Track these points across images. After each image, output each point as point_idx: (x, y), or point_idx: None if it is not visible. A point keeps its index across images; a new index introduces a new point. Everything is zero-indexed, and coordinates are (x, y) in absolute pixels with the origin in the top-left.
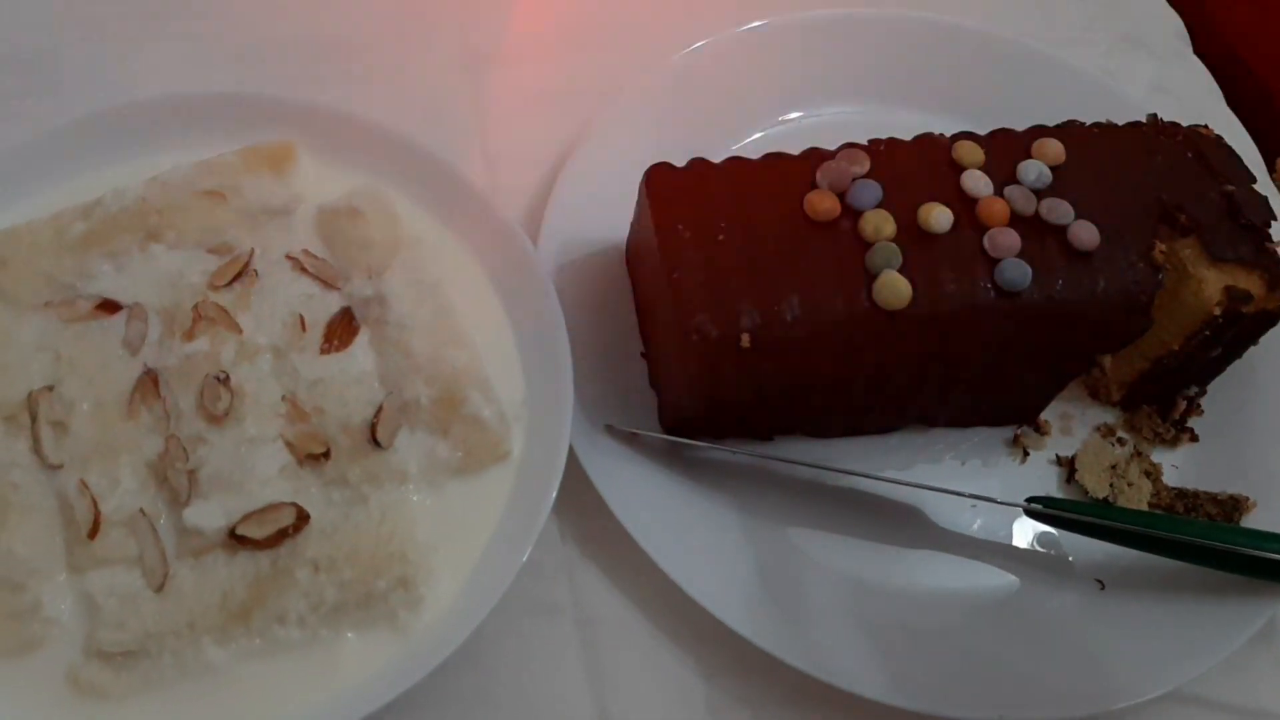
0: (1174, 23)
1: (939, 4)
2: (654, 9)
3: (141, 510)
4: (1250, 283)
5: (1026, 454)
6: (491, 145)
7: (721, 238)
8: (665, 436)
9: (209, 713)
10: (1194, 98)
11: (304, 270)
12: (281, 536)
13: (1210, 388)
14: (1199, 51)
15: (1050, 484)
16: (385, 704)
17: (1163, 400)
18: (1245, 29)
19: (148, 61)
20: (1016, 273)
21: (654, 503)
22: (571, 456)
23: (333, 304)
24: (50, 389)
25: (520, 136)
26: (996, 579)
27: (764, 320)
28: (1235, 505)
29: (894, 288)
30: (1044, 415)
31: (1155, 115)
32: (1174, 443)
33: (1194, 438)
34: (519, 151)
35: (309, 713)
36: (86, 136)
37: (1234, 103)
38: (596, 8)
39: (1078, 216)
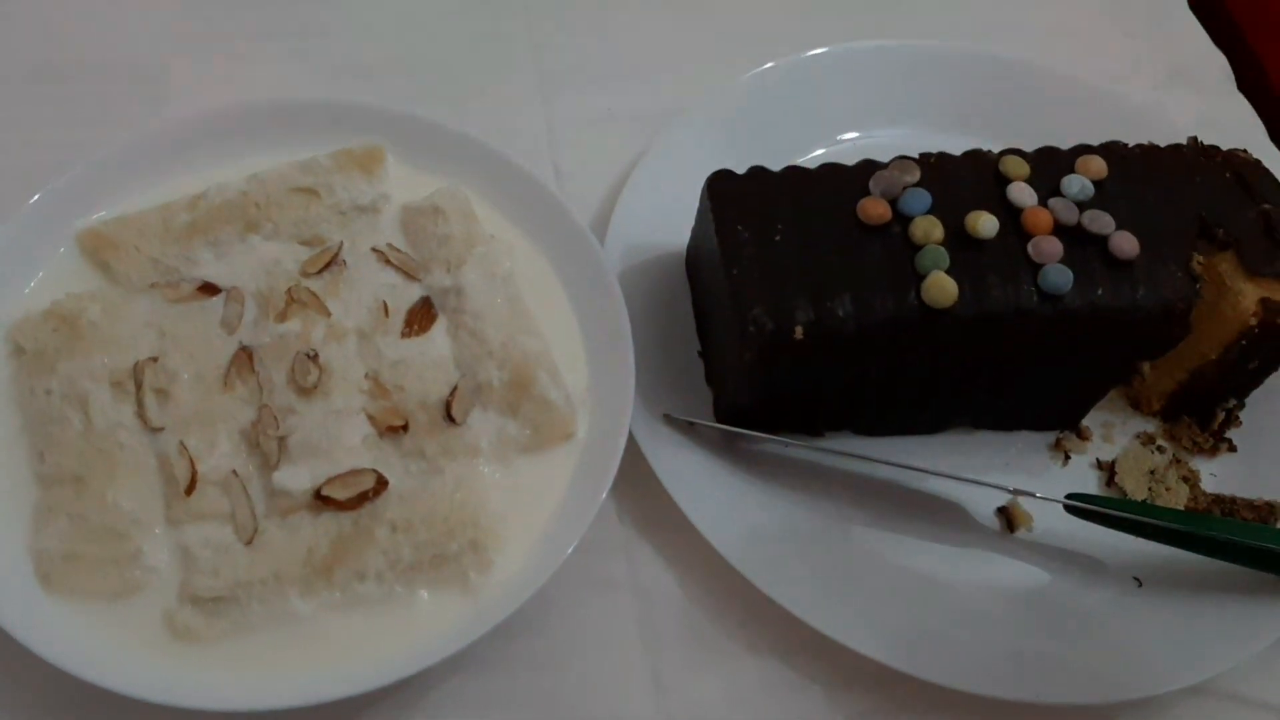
0: (1219, 61)
1: (998, 39)
2: (714, 39)
3: (234, 471)
4: None
5: (1068, 457)
6: (561, 161)
7: (778, 239)
8: (720, 426)
9: (293, 658)
10: (1239, 133)
11: (388, 262)
12: (362, 499)
13: (1249, 400)
14: (1244, 89)
15: (1090, 486)
16: (455, 656)
17: (1202, 411)
18: None
19: (247, 78)
20: (1059, 278)
21: (708, 487)
22: (631, 442)
23: (414, 293)
24: (154, 360)
25: (587, 154)
26: (1035, 573)
27: (817, 315)
28: (1271, 511)
29: (942, 287)
30: (1086, 423)
31: (1195, 138)
32: (1213, 452)
33: (1232, 448)
34: (585, 167)
35: (385, 662)
36: (193, 135)
37: (1277, 138)
38: (661, 37)
39: (1118, 227)
